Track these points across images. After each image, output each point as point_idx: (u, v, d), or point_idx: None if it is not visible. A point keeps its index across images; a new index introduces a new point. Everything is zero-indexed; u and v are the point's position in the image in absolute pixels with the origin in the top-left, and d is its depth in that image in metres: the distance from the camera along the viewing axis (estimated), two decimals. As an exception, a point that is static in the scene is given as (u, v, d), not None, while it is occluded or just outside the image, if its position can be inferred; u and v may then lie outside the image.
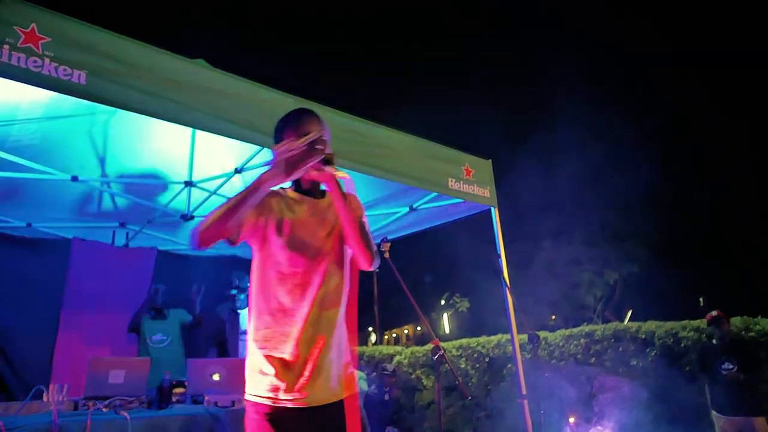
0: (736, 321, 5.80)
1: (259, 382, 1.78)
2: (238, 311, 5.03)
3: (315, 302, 1.82)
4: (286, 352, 1.78)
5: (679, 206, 18.29)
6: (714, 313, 5.13)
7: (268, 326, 1.81)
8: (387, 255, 3.06)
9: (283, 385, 1.76)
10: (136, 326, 5.04)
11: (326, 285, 1.85)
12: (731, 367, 4.83)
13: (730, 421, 4.81)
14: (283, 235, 1.84)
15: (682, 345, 6.13)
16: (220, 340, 5.04)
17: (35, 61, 2.28)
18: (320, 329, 1.82)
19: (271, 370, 1.77)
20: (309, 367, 1.78)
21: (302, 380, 1.77)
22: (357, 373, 6.82)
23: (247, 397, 1.81)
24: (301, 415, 1.76)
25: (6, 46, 2.22)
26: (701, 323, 6.23)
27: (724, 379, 4.85)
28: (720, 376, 4.88)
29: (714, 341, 5.12)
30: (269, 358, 1.78)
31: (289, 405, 1.75)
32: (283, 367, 1.77)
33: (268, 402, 1.75)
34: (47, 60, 2.31)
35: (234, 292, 4.99)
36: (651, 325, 6.51)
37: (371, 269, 1.92)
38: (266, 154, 3.94)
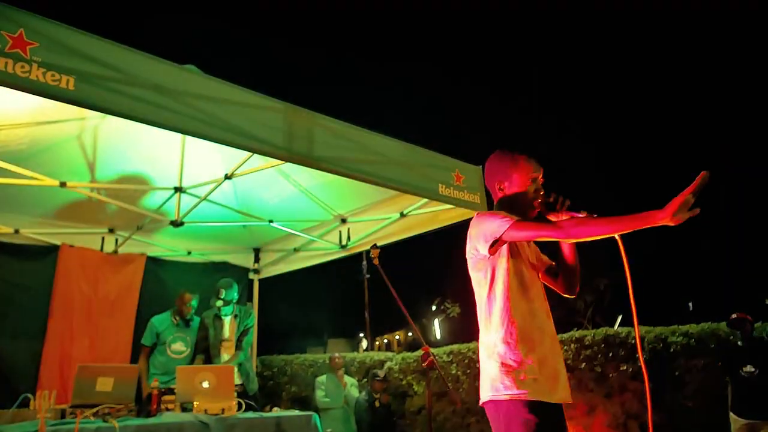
0: (724, 326, 5.85)
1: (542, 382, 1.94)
2: (223, 318, 4.97)
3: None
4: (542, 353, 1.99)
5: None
6: (734, 315, 5.05)
7: (528, 328, 2.00)
8: (377, 261, 3.06)
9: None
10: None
11: (544, 297, 2.14)
12: (753, 369, 4.80)
13: (749, 424, 4.78)
14: (517, 249, 2.12)
15: (671, 350, 6.17)
16: (206, 346, 4.99)
17: (23, 67, 2.27)
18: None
19: (535, 371, 1.94)
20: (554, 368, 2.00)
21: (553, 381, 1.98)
22: (348, 380, 6.82)
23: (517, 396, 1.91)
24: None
25: (-7, 52, 2.21)
26: (690, 328, 6.27)
27: (744, 381, 4.82)
28: (741, 378, 4.85)
29: (738, 343, 5.05)
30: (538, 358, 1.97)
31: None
32: (542, 366, 1.95)
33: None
34: (35, 65, 2.29)
35: (219, 303, 4.87)
36: (640, 330, 6.54)
37: (573, 296, 2.24)
38: (256, 161, 3.93)
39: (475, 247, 2.09)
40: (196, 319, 5.06)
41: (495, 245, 2.02)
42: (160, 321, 5.00)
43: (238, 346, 4.93)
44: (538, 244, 2.25)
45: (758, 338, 5.13)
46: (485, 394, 1.97)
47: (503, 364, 1.94)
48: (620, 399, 6.26)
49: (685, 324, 6.41)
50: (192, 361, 5.01)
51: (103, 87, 2.50)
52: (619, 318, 18.23)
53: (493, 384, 1.94)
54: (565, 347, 6.94)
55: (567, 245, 2.15)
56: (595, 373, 6.55)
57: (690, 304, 22.51)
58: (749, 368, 4.82)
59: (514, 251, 2.09)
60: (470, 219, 4.96)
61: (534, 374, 1.91)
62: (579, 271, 2.18)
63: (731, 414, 4.94)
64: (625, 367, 6.35)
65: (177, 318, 4.96)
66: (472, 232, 2.13)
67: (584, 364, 6.68)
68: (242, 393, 4.52)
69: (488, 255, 2.04)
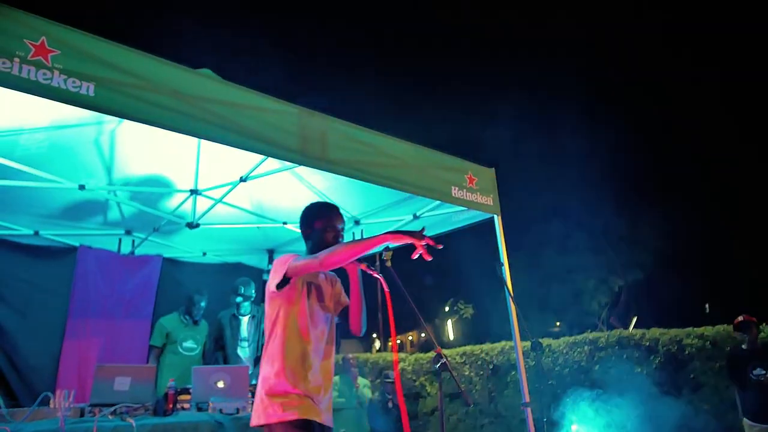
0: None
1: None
2: (240, 317, 5.04)
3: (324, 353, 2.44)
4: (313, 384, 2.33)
5: (683, 213, 18.24)
6: (741, 317, 4.96)
7: (296, 367, 2.30)
8: (389, 264, 3.08)
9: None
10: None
11: (328, 340, 2.48)
12: (763, 372, 4.70)
13: (764, 429, 4.68)
14: (311, 294, 2.42)
15: (686, 352, 6.12)
16: (222, 345, 5.06)
17: (45, 74, 2.33)
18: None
19: (300, 398, 2.27)
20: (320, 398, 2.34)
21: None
22: (361, 381, 6.84)
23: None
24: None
25: (17, 59, 2.26)
26: (705, 330, 6.21)
27: (755, 385, 4.72)
28: (751, 382, 4.75)
29: (743, 346, 4.95)
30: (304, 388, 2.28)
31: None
32: (304, 397, 2.28)
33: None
34: (56, 72, 2.35)
35: (239, 300, 5.00)
36: (655, 332, 6.50)
37: (360, 335, 2.58)
38: (270, 163, 3.97)
39: (270, 282, 2.35)
40: (204, 322, 5.14)
41: (283, 283, 2.29)
42: (169, 321, 5.07)
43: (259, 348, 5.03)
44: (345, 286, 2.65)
45: (763, 341, 5.05)
46: (255, 419, 2.27)
47: (274, 394, 2.25)
48: (634, 401, 6.23)
49: (701, 326, 6.36)
50: (206, 360, 5.08)
51: (122, 93, 2.56)
52: (635, 319, 18.10)
53: (263, 411, 2.25)
54: (579, 349, 6.93)
55: (354, 288, 2.50)
56: (609, 375, 6.53)
57: (707, 306, 22.26)
58: (759, 371, 4.73)
59: (305, 294, 2.38)
60: (484, 221, 4.99)
61: (299, 401, 2.24)
62: (362, 312, 2.54)
63: (744, 420, 4.83)
64: (639, 369, 6.32)
65: (186, 318, 5.03)
66: (272, 269, 2.40)
67: (598, 365, 6.66)
68: (257, 393, 4.57)
69: (276, 291, 2.31)
